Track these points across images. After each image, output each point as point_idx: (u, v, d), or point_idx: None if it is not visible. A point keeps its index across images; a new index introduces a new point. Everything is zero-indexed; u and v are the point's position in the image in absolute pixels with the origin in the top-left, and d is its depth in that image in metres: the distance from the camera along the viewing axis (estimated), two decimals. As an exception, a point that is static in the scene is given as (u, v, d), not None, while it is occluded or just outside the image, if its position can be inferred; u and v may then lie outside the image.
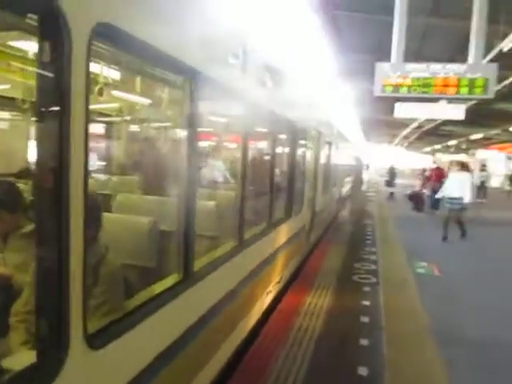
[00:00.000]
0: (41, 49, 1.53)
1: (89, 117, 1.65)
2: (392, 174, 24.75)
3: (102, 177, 5.29)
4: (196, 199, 2.78)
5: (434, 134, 31.82)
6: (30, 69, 3.07)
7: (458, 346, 4.46)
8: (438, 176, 15.72)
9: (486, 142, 34.23)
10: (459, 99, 9.04)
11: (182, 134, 2.71)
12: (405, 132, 33.44)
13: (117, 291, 2.23)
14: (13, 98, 4.40)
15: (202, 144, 2.94)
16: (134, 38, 1.88)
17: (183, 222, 2.69)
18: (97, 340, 1.81)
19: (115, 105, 5.81)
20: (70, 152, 1.55)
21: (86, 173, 1.66)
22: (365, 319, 5.00)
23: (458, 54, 12.72)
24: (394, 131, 35.94)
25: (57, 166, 1.54)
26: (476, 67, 7.10)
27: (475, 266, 8.03)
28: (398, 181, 25.91)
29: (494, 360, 4.23)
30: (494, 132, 26.27)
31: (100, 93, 3.09)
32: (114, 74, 3.11)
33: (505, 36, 9.23)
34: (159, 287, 2.52)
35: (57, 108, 1.51)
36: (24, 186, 3.56)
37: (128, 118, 5.78)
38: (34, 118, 1.51)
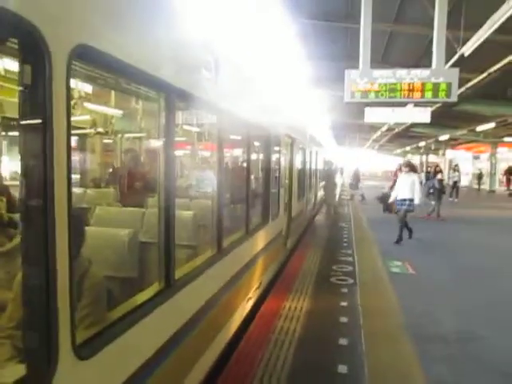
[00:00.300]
0: (22, 71, 1.60)
1: (70, 134, 1.72)
2: (356, 176, 25.13)
3: (79, 190, 5.29)
4: (174, 209, 2.85)
5: (404, 136, 32.67)
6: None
7: (432, 341, 4.64)
8: None
9: (453, 143, 35.32)
10: (425, 103, 9.38)
11: (158, 145, 2.79)
12: (375, 135, 34.21)
13: (101, 302, 2.29)
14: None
15: (179, 154, 3.02)
16: (111, 56, 1.96)
17: (162, 232, 2.75)
18: (84, 351, 1.86)
19: (89, 118, 5.83)
20: (54, 168, 1.62)
21: (70, 188, 1.72)
22: (343, 319, 5.14)
23: (422, 58, 13.21)
24: (366, 135, 36.68)
25: (41, 182, 1.60)
26: (439, 72, 7.42)
27: (448, 262, 8.30)
28: (372, 182, 26.43)
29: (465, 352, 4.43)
30: (460, 133, 27.15)
31: (78, 108, 3.16)
32: (91, 90, 3.15)
33: (465, 40, 9.66)
34: (142, 297, 2.57)
35: (40, 127, 1.58)
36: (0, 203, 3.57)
37: (105, 131, 5.80)
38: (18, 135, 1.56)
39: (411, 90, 7.44)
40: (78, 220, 2.19)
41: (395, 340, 4.67)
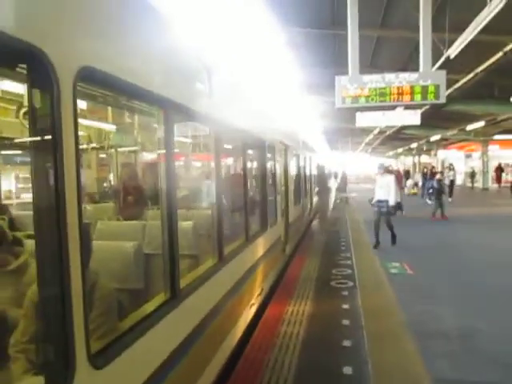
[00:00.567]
0: (31, 95, 1.68)
1: (78, 152, 1.80)
2: (344, 180, 25.27)
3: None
4: (176, 220, 2.92)
5: (396, 138, 32.96)
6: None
7: (433, 338, 4.72)
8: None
9: (444, 143, 35.66)
10: (414, 106, 9.54)
11: (158, 158, 2.87)
12: (368, 139, 34.50)
13: (111, 313, 2.35)
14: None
15: (179, 165, 3.11)
16: (114, 77, 2.06)
17: (165, 243, 2.82)
18: (99, 360, 1.92)
19: (84, 134, 5.91)
20: (65, 185, 1.69)
21: (80, 204, 1.80)
22: (346, 322, 5.21)
23: (410, 61, 13.44)
24: (358, 138, 36.97)
25: (53, 199, 1.68)
26: (426, 75, 7.58)
27: (445, 262, 8.40)
28: (367, 185, 26.55)
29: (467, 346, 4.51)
30: (451, 133, 27.45)
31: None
32: (86, 106, 3.24)
33: (451, 42, 9.87)
34: (149, 307, 2.64)
35: (50, 147, 1.66)
36: (1, 222, 3.62)
37: (100, 145, 5.89)
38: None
39: (400, 93, 7.59)
40: (86, 234, 2.26)
41: (397, 339, 4.74)
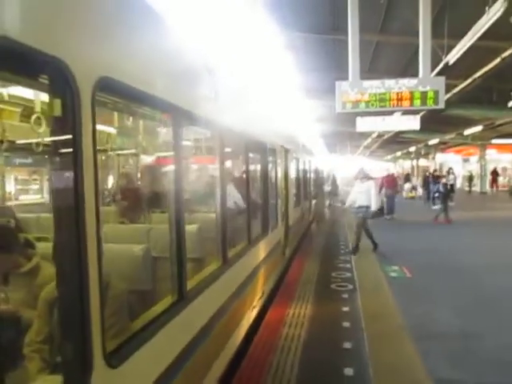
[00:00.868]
0: (52, 104, 1.76)
1: (97, 158, 1.89)
2: (334, 183, 24.85)
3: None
4: (182, 223, 2.99)
5: (394, 142, 33.11)
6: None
7: (431, 340, 4.80)
8: (388, 183, 16.56)
9: (442, 146, 35.81)
10: (414, 111, 9.64)
11: (167, 160, 2.95)
12: (366, 142, 34.65)
13: (123, 313, 2.43)
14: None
15: (184, 169, 3.19)
16: (128, 86, 2.15)
17: (173, 246, 2.90)
18: (114, 359, 2.00)
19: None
20: (84, 190, 1.77)
21: (98, 207, 1.88)
22: (346, 324, 5.29)
23: (409, 66, 13.57)
24: (357, 142, 37.10)
25: (73, 203, 1.76)
26: (426, 81, 7.67)
27: (444, 266, 8.47)
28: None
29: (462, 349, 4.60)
30: (449, 136, 27.60)
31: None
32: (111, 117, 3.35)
33: (450, 48, 9.99)
34: (159, 308, 2.72)
35: (71, 154, 1.74)
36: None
37: (103, 149, 5.96)
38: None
39: (400, 99, 7.68)
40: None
41: (397, 341, 4.82)
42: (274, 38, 8.17)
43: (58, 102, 1.76)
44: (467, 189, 32.55)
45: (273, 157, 7.10)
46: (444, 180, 16.07)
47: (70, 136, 1.75)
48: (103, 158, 6.61)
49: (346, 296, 6.48)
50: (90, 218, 1.81)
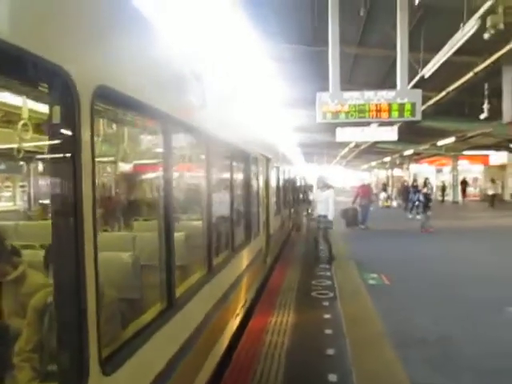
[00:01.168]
0: (51, 111, 1.77)
1: (95, 164, 1.90)
2: (307, 192, 24.91)
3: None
4: (170, 232, 3.01)
5: (370, 151, 33.72)
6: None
7: (410, 346, 4.91)
8: (364, 192, 16.80)
9: (416, 157, 36.68)
10: (392, 122, 9.89)
11: (153, 167, 2.97)
12: (343, 152, 35.20)
13: (115, 320, 2.42)
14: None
15: (175, 176, 3.22)
16: (123, 94, 2.17)
17: (162, 254, 2.92)
18: (109, 367, 2.00)
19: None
20: (82, 195, 1.79)
21: (95, 213, 1.89)
22: (328, 331, 5.36)
23: (387, 78, 13.92)
24: (334, 151, 37.64)
25: (72, 208, 1.77)
26: (403, 93, 7.91)
27: (421, 273, 8.66)
28: (341, 198, 26.88)
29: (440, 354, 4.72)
30: (423, 147, 28.30)
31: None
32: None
33: (425, 62, 10.33)
34: (148, 316, 2.72)
35: (70, 160, 1.75)
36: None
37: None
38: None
39: (379, 110, 7.89)
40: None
41: (378, 347, 4.91)
42: (259, 49, 8.28)
43: (57, 109, 1.77)
44: (440, 198, 33.38)
45: (255, 165, 7.16)
46: (425, 190, 16.42)
47: (69, 143, 1.76)
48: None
49: (326, 304, 6.56)
50: (87, 225, 1.82)
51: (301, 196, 20.37)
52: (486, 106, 12.47)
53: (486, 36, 7.41)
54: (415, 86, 10.01)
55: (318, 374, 4.21)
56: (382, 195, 28.96)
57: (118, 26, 2.29)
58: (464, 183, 33.12)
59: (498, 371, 4.28)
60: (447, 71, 10.83)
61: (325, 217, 9.71)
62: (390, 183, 40.79)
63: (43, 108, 2.54)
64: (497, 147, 27.14)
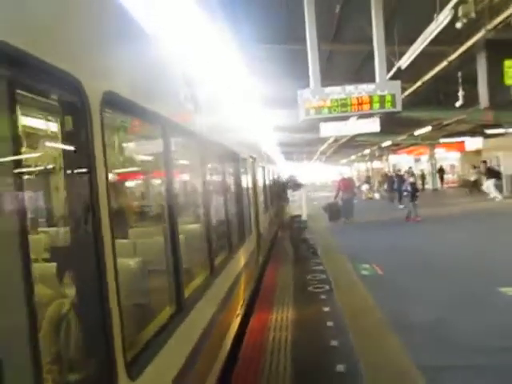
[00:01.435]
0: (63, 118, 1.79)
1: (108, 170, 1.92)
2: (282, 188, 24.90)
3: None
4: (172, 237, 3.02)
5: (349, 145, 34.09)
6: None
7: (410, 331, 5.01)
8: (345, 186, 16.67)
9: (395, 148, 37.28)
10: (374, 114, 10.03)
11: (158, 171, 2.99)
12: (322, 148, 35.51)
13: (132, 326, 2.43)
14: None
15: (175, 180, 3.25)
16: (127, 99, 2.20)
17: (170, 259, 2.94)
18: (134, 372, 2.01)
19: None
20: (99, 199, 1.80)
21: (112, 219, 1.91)
22: (330, 323, 5.43)
23: (360, 71, 14.14)
24: (313, 148, 37.93)
25: (88, 213, 1.78)
26: (383, 85, 8.05)
27: (411, 261, 8.80)
28: (323, 193, 27.12)
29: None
30: (401, 138, 28.78)
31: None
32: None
33: (401, 54, 10.54)
34: (158, 321, 2.73)
35: (86, 169, 1.76)
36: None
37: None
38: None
39: (360, 103, 8.00)
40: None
41: (380, 334, 5.01)
42: (239, 52, 8.32)
43: (68, 118, 1.78)
44: (420, 187, 33.97)
45: (244, 166, 7.21)
46: (412, 179, 16.62)
47: (83, 149, 1.77)
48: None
49: (324, 297, 6.65)
50: (105, 230, 1.84)
51: (283, 194, 20.51)
52: (460, 94, 12.73)
53: (459, 25, 7.61)
54: (392, 78, 10.17)
55: (326, 365, 4.28)
56: (365, 187, 29.34)
57: (120, 37, 2.34)
58: (441, 171, 33.80)
59: (490, 349, 4.40)
60: (422, 61, 11.06)
61: (299, 216, 9.58)
62: (371, 175, 41.33)
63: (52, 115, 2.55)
64: (472, 133, 27.78)
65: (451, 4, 6.93)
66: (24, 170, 1.46)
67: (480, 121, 21.97)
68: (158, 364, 2.34)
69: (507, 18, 7.61)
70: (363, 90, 8.00)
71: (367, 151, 38.90)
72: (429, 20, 8.23)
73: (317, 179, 62.80)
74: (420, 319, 5.39)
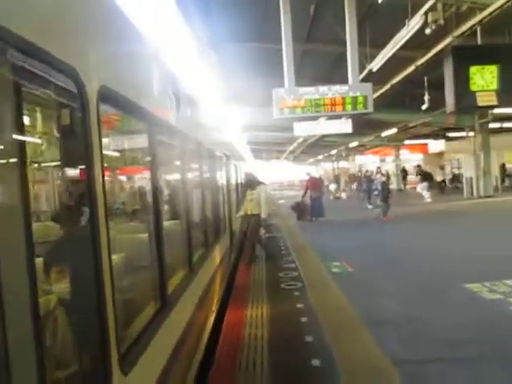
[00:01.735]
0: (60, 111, 1.77)
1: (103, 163, 1.91)
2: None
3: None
4: (154, 232, 3.02)
5: (317, 145, 34.61)
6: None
7: (382, 326, 5.18)
8: (313, 185, 16.88)
9: (361, 149, 38.12)
10: (346, 115, 10.25)
11: (143, 168, 2.97)
12: (292, 147, 35.88)
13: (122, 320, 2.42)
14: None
15: (160, 177, 3.25)
16: (120, 94, 2.19)
17: (155, 255, 2.94)
18: (126, 367, 2.01)
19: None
20: (97, 197, 1.79)
21: (107, 212, 1.90)
22: (303, 319, 5.53)
23: (331, 72, 14.40)
24: (282, 147, 38.26)
25: (85, 207, 1.77)
26: (355, 87, 8.26)
27: (381, 258, 9.05)
28: (291, 192, 27.44)
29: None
30: (367, 139, 29.47)
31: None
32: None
33: (372, 56, 10.82)
34: (146, 315, 2.73)
35: (83, 161, 1.75)
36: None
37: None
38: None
39: (333, 104, 8.18)
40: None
41: (353, 329, 5.15)
42: (211, 52, 8.31)
43: (66, 111, 1.76)
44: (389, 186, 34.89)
45: (219, 164, 7.22)
46: (383, 179, 17.01)
47: (81, 141, 1.76)
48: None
49: (297, 294, 6.75)
50: (102, 222, 1.83)
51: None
52: (426, 98, 13.20)
53: (428, 31, 7.91)
54: (363, 80, 10.43)
55: (301, 360, 4.36)
56: (332, 187, 29.86)
57: (116, 34, 2.34)
58: (404, 171, 34.83)
59: (457, 341, 4.61)
60: (391, 65, 11.40)
61: (257, 216, 9.41)
62: (338, 175, 42.08)
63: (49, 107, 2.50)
64: (435, 136, 28.78)
65: (422, 10, 7.19)
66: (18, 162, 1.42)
67: (443, 124, 22.80)
68: (148, 358, 2.35)
69: (473, 25, 7.97)
70: (336, 91, 8.19)
71: (334, 151, 39.57)
72: (399, 25, 8.50)
73: (284, 178, 63.27)
74: (389, 314, 5.57)
